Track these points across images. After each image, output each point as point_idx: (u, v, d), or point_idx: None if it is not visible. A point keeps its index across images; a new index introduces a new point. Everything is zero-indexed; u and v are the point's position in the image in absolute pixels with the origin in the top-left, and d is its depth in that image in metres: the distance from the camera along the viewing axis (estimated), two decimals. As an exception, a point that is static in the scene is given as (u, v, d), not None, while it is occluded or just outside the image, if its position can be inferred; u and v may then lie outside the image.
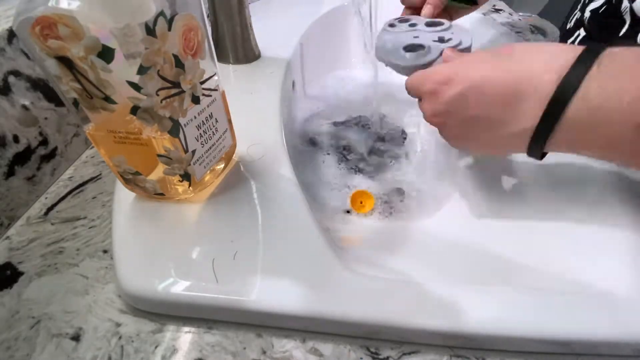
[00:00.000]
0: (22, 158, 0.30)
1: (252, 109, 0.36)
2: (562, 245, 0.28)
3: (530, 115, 0.22)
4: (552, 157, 0.33)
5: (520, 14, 0.65)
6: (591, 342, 0.22)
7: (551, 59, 0.21)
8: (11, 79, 0.29)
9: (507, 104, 0.22)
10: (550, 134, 0.22)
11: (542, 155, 0.24)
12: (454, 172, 0.42)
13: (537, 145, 0.23)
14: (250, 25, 0.42)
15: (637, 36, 0.36)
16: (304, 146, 0.45)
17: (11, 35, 0.28)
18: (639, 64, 0.19)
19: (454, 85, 0.24)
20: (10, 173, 0.29)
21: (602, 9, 0.41)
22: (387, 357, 0.22)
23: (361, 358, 0.22)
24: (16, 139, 0.29)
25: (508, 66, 0.23)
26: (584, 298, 0.23)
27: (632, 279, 0.24)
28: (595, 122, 0.20)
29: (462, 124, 0.25)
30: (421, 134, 0.48)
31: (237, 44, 0.42)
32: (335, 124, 0.49)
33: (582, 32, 0.45)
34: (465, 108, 0.24)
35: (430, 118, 0.27)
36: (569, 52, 0.21)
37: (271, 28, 0.50)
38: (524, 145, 0.23)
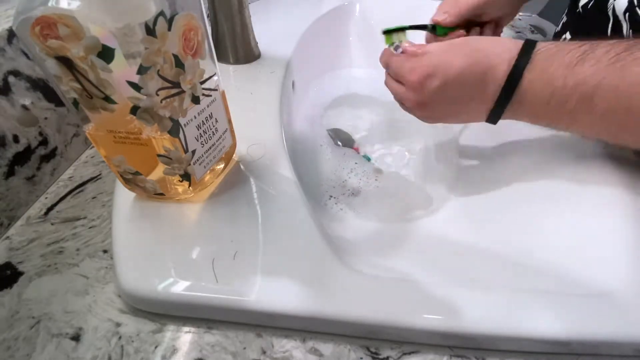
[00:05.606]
0: (22, 158, 0.30)
1: (252, 109, 0.36)
2: (562, 245, 0.28)
3: (492, 96, 0.29)
4: (554, 158, 0.33)
5: (520, 13, 0.65)
6: (591, 342, 0.22)
7: (503, 53, 0.28)
8: (11, 79, 0.29)
9: (476, 89, 0.29)
10: (505, 108, 0.30)
11: (496, 121, 0.31)
12: (454, 172, 0.42)
13: (496, 114, 0.30)
14: (250, 25, 0.42)
15: (619, 36, 0.36)
16: (304, 146, 0.45)
17: (11, 35, 0.28)
18: (566, 57, 0.26)
19: (436, 79, 0.29)
20: (10, 173, 0.29)
21: (591, 3, 0.41)
22: (387, 357, 0.22)
23: (361, 358, 0.22)
24: (16, 139, 0.29)
25: (474, 59, 0.29)
26: (584, 298, 0.23)
27: (632, 278, 0.24)
28: (535, 98, 0.28)
29: (441, 108, 0.31)
30: (422, 135, 0.48)
31: (237, 44, 0.42)
32: (335, 125, 0.49)
33: (568, 35, 0.46)
34: (445, 96, 0.30)
35: (413, 106, 0.32)
36: (513, 47, 0.28)
37: (271, 28, 0.50)
38: (485, 117, 0.31)
